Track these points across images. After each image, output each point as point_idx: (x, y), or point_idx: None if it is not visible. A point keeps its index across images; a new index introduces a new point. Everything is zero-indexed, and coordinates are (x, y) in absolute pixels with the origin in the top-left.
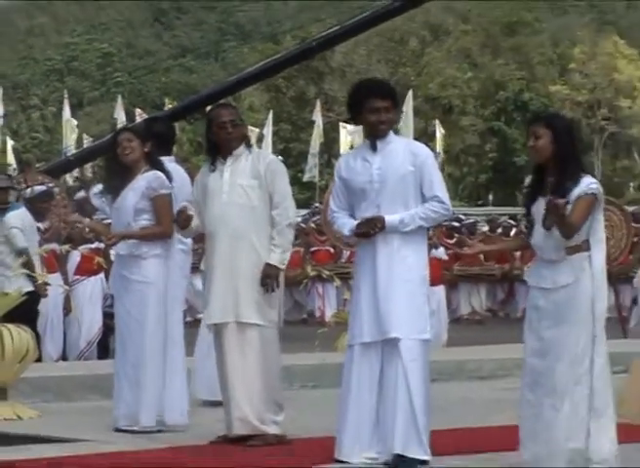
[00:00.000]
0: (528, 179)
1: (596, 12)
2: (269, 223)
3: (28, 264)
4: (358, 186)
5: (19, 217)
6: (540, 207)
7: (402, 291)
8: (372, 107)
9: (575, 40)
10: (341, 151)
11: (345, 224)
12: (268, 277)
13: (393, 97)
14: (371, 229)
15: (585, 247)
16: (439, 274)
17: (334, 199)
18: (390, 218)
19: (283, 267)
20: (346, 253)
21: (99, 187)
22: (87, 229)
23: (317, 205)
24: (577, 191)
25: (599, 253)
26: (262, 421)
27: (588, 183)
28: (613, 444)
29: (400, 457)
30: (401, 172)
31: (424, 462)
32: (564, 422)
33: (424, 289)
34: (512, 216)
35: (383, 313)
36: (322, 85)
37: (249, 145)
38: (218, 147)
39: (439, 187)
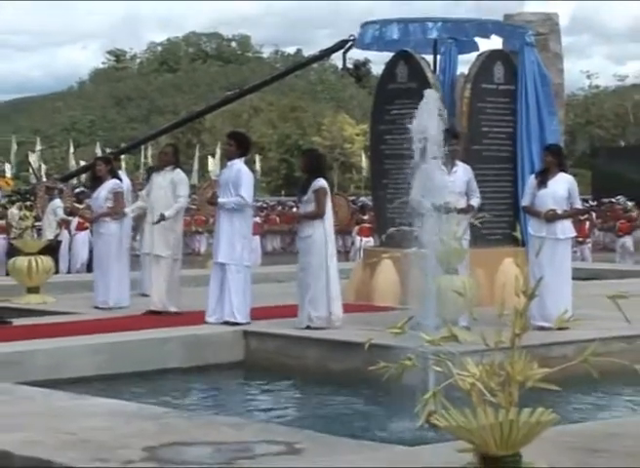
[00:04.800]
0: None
1: (335, 101)
2: None
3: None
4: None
5: (59, 202)
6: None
7: (235, 239)
8: (225, 142)
9: (324, 115)
10: (209, 169)
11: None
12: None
13: (236, 139)
14: (214, 203)
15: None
16: (256, 229)
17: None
18: (219, 200)
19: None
20: (212, 220)
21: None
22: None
23: (193, 196)
24: (315, 185)
25: (328, 219)
26: (166, 305)
27: (319, 182)
28: (341, 312)
29: (233, 324)
30: (230, 179)
31: (248, 323)
32: (310, 302)
33: (247, 236)
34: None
35: (224, 248)
36: (200, 136)
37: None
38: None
39: (243, 189)
